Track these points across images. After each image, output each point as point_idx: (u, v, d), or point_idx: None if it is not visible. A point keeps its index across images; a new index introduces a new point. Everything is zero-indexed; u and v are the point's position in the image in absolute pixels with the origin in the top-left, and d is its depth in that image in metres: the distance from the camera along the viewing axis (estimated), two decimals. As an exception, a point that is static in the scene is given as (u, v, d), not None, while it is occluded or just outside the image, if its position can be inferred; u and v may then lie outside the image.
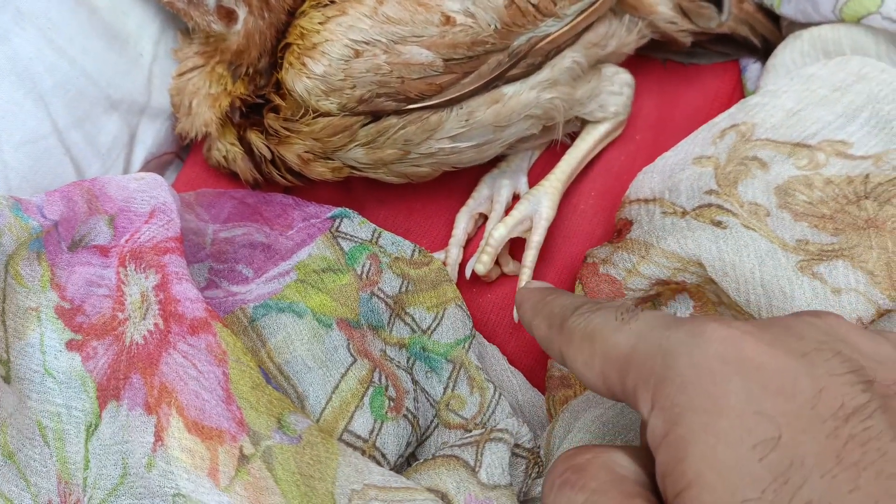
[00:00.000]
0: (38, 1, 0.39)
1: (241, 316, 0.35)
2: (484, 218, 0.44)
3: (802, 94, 0.39)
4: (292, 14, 0.38)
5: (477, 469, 0.31)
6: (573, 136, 0.45)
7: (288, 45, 0.37)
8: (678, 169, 0.39)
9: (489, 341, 0.40)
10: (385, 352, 0.36)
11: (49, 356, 0.33)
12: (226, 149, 0.41)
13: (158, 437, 0.30)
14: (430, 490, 0.30)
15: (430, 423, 0.36)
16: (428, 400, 0.36)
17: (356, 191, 0.45)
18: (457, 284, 0.40)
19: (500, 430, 0.32)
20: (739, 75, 0.49)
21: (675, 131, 0.46)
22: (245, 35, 0.39)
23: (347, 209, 0.40)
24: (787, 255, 0.33)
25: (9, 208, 0.34)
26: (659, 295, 0.37)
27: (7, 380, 0.33)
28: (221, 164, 0.42)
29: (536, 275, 0.42)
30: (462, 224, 0.43)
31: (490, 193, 0.44)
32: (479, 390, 0.36)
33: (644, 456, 0.23)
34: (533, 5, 0.38)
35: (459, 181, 0.44)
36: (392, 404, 0.33)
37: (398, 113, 0.37)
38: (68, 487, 0.32)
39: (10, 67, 0.38)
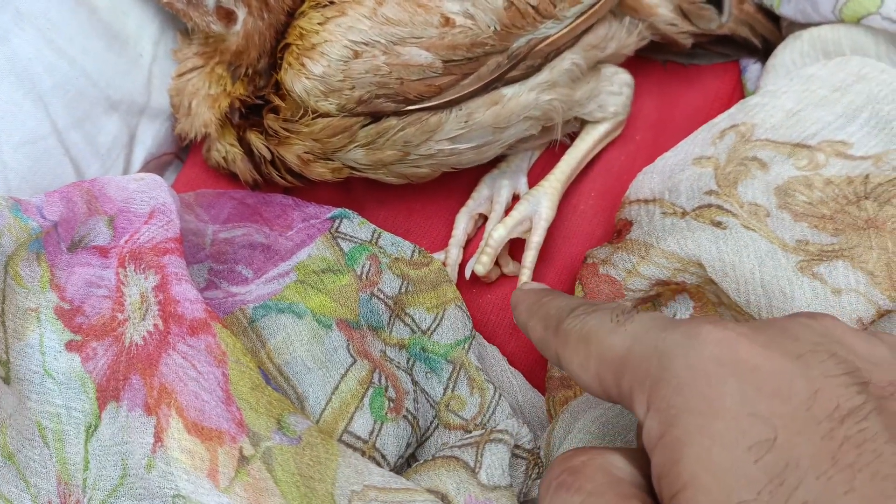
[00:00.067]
0: (38, 1, 0.39)
1: (240, 317, 0.35)
2: (484, 218, 0.44)
3: (802, 95, 0.39)
4: (291, 15, 0.38)
5: (477, 470, 0.31)
6: (573, 137, 0.45)
7: (287, 45, 0.37)
8: (678, 169, 0.39)
9: (489, 342, 0.40)
10: (385, 352, 0.36)
11: (49, 357, 0.33)
12: (225, 149, 0.41)
13: (158, 438, 0.30)
14: (430, 491, 0.30)
15: (430, 423, 0.36)
16: (428, 401, 0.36)
17: (356, 191, 0.45)
18: (456, 285, 0.40)
19: (501, 431, 0.32)
20: (739, 76, 0.49)
21: (674, 132, 0.46)
22: (244, 36, 0.39)
23: (347, 210, 0.40)
24: (787, 256, 0.33)
25: (8, 209, 0.34)
26: (659, 295, 0.37)
27: (6, 381, 0.33)
28: (221, 165, 0.42)
29: (536, 275, 0.42)
30: (462, 224, 0.43)
31: (490, 194, 0.44)
32: (479, 391, 0.36)
33: (640, 458, 0.23)
34: (532, 7, 0.38)
35: (459, 182, 0.44)
36: (392, 405, 0.33)
37: (398, 114, 0.37)
38: (68, 488, 0.32)
39: (9, 68, 0.38)
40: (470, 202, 0.43)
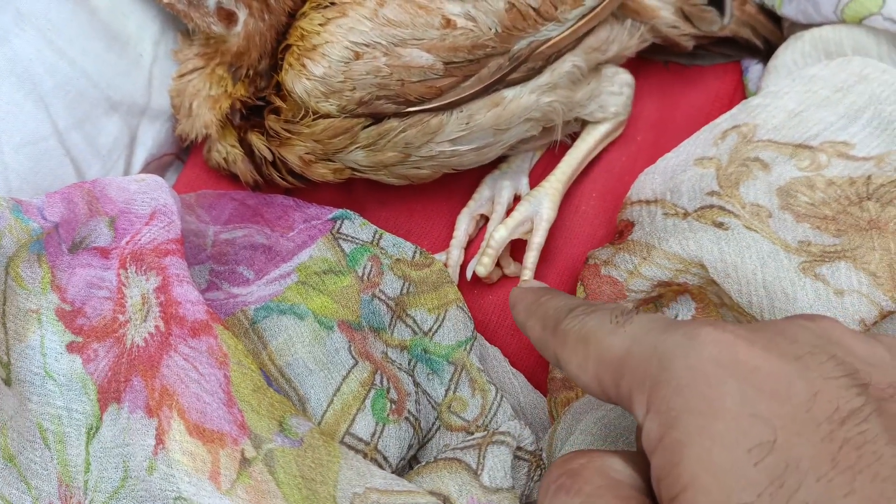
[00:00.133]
0: (38, 2, 0.39)
1: (242, 318, 0.35)
2: (485, 219, 0.44)
3: (804, 96, 0.39)
4: (292, 16, 0.38)
5: (479, 472, 0.31)
6: (574, 137, 0.45)
7: (288, 46, 0.37)
8: (680, 170, 0.39)
9: (491, 343, 0.40)
10: (386, 354, 0.36)
11: (50, 358, 0.33)
12: (226, 150, 0.41)
13: (159, 440, 0.30)
14: (432, 493, 0.30)
15: (432, 425, 0.36)
16: (430, 402, 0.36)
17: (357, 192, 0.45)
18: (458, 286, 0.40)
19: (503, 433, 0.32)
20: (741, 76, 0.49)
21: (676, 132, 0.46)
22: (245, 37, 0.39)
23: (348, 211, 0.40)
24: (789, 257, 0.33)
25: (9, 210, 0.34)
26: (661, 296, 0.37)
27: (7, 382, 0.33)
28: (222, 166, 0.42)
29: (538, 276, 0.42)
30: (463, 225, 0.42)
31: (491, 195, 0.44)
32: (480, 392, 0.36)
33: (640, 460, 0.23)
34: (534, 9, 0.37)
35: (460, 183, 0.44)
36: (394, 406, 0.33)
37: (399, 115, 0.37)
38: (69, 490, 0.32)
39: (10, 69, 0.38)
40: (471, 203, 0.43)
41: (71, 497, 0.31)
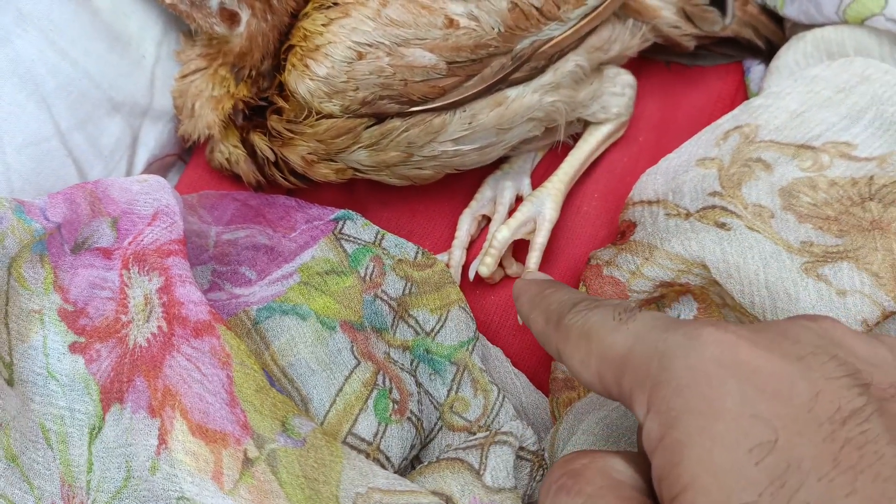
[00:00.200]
0: (40, 3, 0.39)
1: (244, 318, 0.35)
2: (487, 220, 0.44)
3: (806, 96, 0.39)
4: (295, 16, 0.38)
5: (482, 472, 0.31)
6: (576, 138, 0.45)
7: (291, 47, 0.37)
8: (682, 171, 0.39)
9: (493, 343, 0.40)
10: (389, 354, 0.36)
11: (52, 359, 0.33)
12: (228, 151, 0.41)
13: (162, 440, 0.30)
14: (434, 493, 0.30)
15: (434, 425, 0.36)
16: (432, 402, 0.36)
17: (359, 193, 0.45)
18: (460, 286, 0.40)
19: (505, 433, 0.32)
20: (743, 77, 0.49)
21: (678, 133, 0.46)
22: (248, 37, 0.39)
23: (350, 211, 0.40)
24: (791, 257, 0.33)
25: (11, 211, 0.34)
26: (663, 297, 0.37)
27: (10, 382, 0.33)
28: (224, 167, 0.42)
29: (540, 277, 0.42)
30: (465, 226, 0.42)
31: (493, 195, 0.44)
32: (482, 392, 0.36)
33: (641, 461, 0.23)
34: (536, 9, 0.37)
35: (462, 183, 0.44)
36: (396, 407, 0.33)
37: (401, 115, 0.37)
38: (72, 490, 0.32)
39: (12, 69, 0.38)
40: (473, 203, 0.43)
41: (73, 497, 0.31)
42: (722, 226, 0.35)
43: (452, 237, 0.43)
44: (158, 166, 0.45)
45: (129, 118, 0.42)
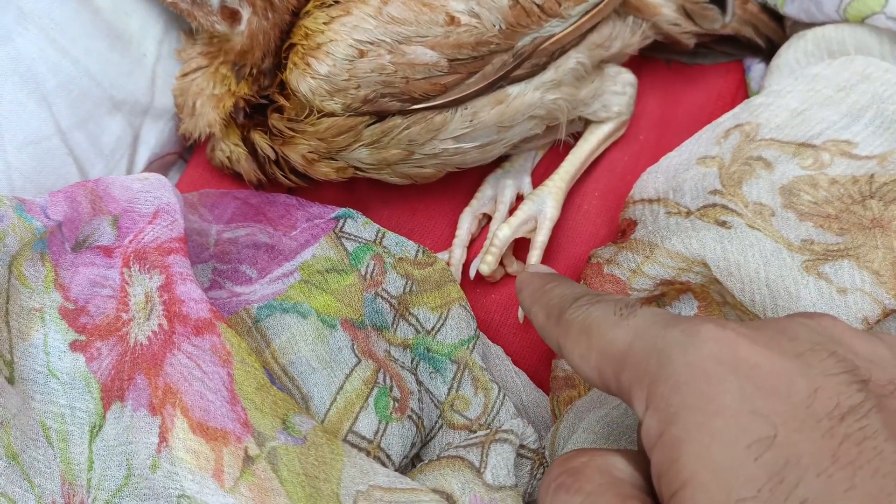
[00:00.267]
0: (41, 1, 0.39)
1: (245, 316, 0.35)
2: (487, 218, 0.44)
3: (807, 94, 0.39)
4: (296, 14, 0.38)
5: (482, 470, 0.31)
6: (576, 137, 0.45)
7: (292, 45, 0.37)
8: (682, 169, 0.39)
9: (493, 341, 0.40)
10: (389, 352, 0.36)
11: (53, 357, 0.33)
12: (229, 149, 0.41)
13: (163, 438, 0.30)
14: (435, 491, 0.30)
15: (435, 423, 0.36)
16: (432, 401, 0.36)
17: (360, 191, 0.45)
18: (461, 285, 0.40)
19: (506, 431, 0.32)
20: (743, 75, 0.49)
21: (678, 131, 0.46)
22: (249, 35, 0.39)
23: (351, 210, 0.40)
24: (792, 255, 0.33)
25: (12, 209, 0.34)
26: (663, 295, 0.37)
27: (11, 381, 0.33)
28: (225, 165, 0.42)
29: (540, 275, 0.42)
30: (465, 224, 0.42)
31: (493, 194, 0.44)
32: (483, 391, 0.36)
33: (641, 459, 0.23)
34: (537, 6, 0.37)
35: (463, 182, 0.44)
36: (396, 405, 0.33)
37: (403, 113, 0.37)
38: (72, 489, 0.32)
39: (13, 68, 0.38)
40: (473, 202, 0.43)
41: (74, 495, 0.31)
42: (723, 224, 0.35)
43: (453, 236, 0.43)
44: (159, 165, 0.45)
45: (130, 116, 0.42)
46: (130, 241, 0.35)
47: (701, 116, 0.46)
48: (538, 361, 0.41)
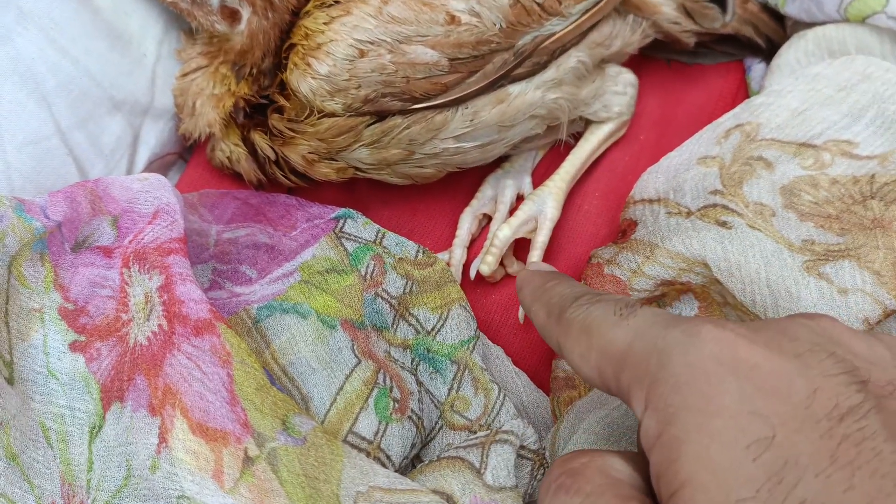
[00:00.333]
0: (41, 1, 0.39)
1: (244, 317, 0.35)
2: (488, 219, 0.44)
3: (807, 94, 0.39)
4: (296, 14, 0.38)
5: (482, 471, 0.31)
6: (577, 137, 0.45)
7: (292, 45, 0.37)
8: (683, 169, 0.39)
9: (493, 342, 0.40)
10: (389, 353, 0.36)
11: (52, 357, 0.33)
12: (229, 149, 0.41)
13: (163, 439, 0.30)
14: (435, 492, 0.30)
15: (435, 424, 0.36)
16: (432, 401, 0.36)
17: (360, 192, 0.45)
18: (461, 285, 0.40)
19: (506, 432, 0.32)
20: (743, 75, 0.48)
21: (678, 131, 0.46)
22: (249, 35, 0.39)
23: (351, 210, 0.40)
24: (792, 256, 0.33)
25: (12, 209, 0.34)
26: (664, 295, 0.37)
27: (10, 381, 0.33)
28: (225, 165, 0.42)
29: (541, 275, 0.42)
30: (466, 225, 0.42)
31: (494, 194, 0.44)
32: (483, 391, 0.36)
33: (640, 460, 0.23)
34: (538, 4, 0.37)
35: (463, 182, 0.44)
36: (397, 405, 0.33)
37: (403, 113, 0.37)
38: (72, 489, 0.31)
39: (12, 68, 0.38)
40: (474, 202, 0.43)
41: (74, 496, 0.31)
42: (723, 224, 0.35)
43: (453, 236, 0.43)
44: (159, 165, 0.45)
45: (130, 117, 0.42)
46: (130, 242, 0.35)
47: (701, 116, 0.46)
48: (538, 362, 0.40)
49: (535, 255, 0.41)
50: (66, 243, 0.35)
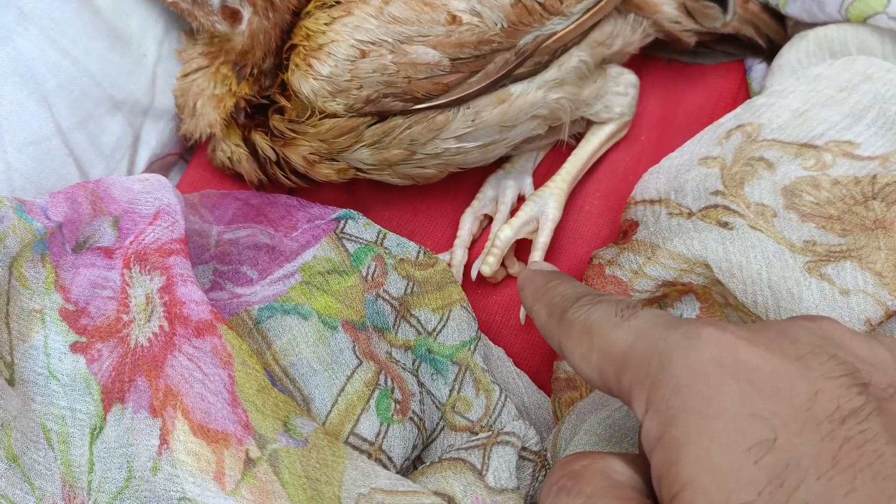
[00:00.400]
0: (41, 2, 0.39)
1: (246, 318, 0.35)
2: (489, 219, 0.44)
3: (809, 95, 0.39)
4: (297, 14, 0.38)
5: (484, 472, 0.31)
6: (578, 137, 0.45)
7: (293, 46, 0.37)
8: (684, 170, 0.39)
9: (495, 343, 0.40)
10: (391, 354, 0.36)
11: (53, 358, 0.33)
12: (230, 150, 0.41)
13: (164, 441, 0.30)
14: (436, 493, 0.30)
15: (436, 425, 0.36)
16: (434, 402, 0.36)
17: (361, 192, 0.45)
18: (462, 286, 0.40)
19: (508, 433, 0.32)
20: (744, 75, 0.48)
21: (679, 131, 0.46)
22: (250, 35, 0.39)
23: (352, 210, 0.40)
24: (794, 257, 0.33)
25: (13, 210, 0.34)
26: (665, 296, 0.37)
27: (11, 382, 0.33)
28: (226, 165, 0.42)
29: (542, 276, 0.42)
30: (467, 225, 0.42)
31: (495, 194, 0.44)
32: (484, 392, 0.36)
33: (641, 462, 0.23)
34: (539, 3, 0.37)
35: (464, 182, 0.44)
36: (398, 407, 0.33)
37: (404, 113, 0.37)
38: (73, 491, 0.31)
39: (13, 68, 0.38)
40: (475, 203, 0.43)
41: (74, 497, 0.31)
42: (724, 225, 0.35)
43: (454, 236, 0.43)
44: (160, 165, 0.45)
45: (131, 117, 0.42)
46: (131, 243, 0.35)
47: (702, 117, 0.46)
48: (540, 363, 0.40)
49: (537, 255, 0.41)
50: (67, 244, 0.35)
